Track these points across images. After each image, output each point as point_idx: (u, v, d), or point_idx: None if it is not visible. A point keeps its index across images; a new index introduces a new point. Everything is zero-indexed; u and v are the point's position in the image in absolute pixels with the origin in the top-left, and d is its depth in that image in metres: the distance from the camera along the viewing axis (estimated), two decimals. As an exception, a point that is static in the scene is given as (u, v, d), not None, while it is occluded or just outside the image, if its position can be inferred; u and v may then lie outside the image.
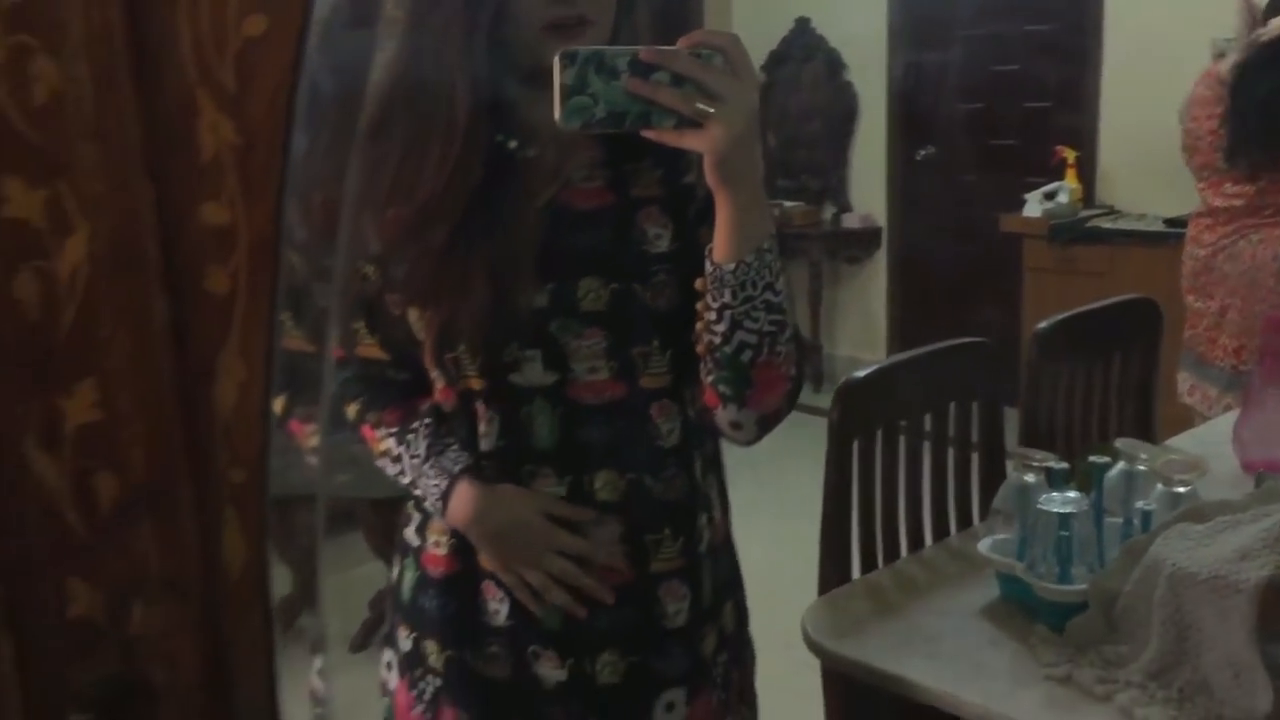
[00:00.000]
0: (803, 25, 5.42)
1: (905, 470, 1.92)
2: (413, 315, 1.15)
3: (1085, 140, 4.63)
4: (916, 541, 1.97)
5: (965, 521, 2.03)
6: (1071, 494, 1.59)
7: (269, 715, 0.59)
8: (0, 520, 0.54)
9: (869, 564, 1.89)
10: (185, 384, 0.53)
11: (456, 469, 1.17)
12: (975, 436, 2.02)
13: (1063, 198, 4.50)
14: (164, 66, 0.51)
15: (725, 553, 1.29)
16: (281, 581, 2.62)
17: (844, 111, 5.40)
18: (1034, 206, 4.52)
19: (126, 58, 0.50)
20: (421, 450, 1.19)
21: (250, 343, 0.54)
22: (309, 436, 1.08)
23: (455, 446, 1.19)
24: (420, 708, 1.23)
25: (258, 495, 0.56)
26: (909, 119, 5.27)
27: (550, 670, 1.18)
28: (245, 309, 0.54)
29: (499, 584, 1.18)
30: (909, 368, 1.92)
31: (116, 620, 0.54)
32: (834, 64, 5.38)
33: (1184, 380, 3.00)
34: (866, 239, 5.38)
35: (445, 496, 1.17)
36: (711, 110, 0.96)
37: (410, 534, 1.25)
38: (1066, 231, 4.37)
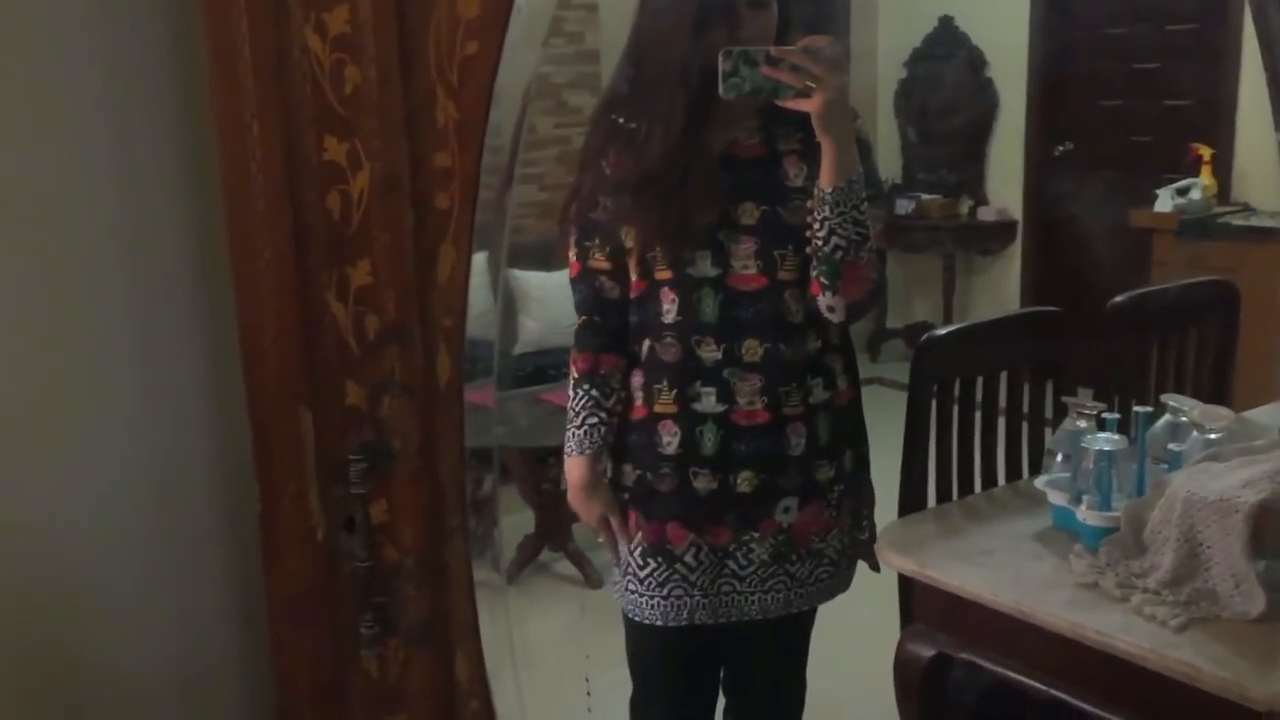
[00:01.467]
0: (946, 23, 5.59)
1: (980, 420, 2.18)
2: (625, 229, 1.60)
3: (1222, 138, 4.68)
4: (990, 484, 2.23)
5: (1037, 470, 2.27)
6: (1113, 435, 1.84)
7: (458, 473, 0.94)
8: (309, 341, 0.90)
9: (945, 498, 2.16)
10: (420, 263, 0.88)
11: (581, 450, 1.63)
12: (1050, 394, 2.26)
13: (1195, 194, 4.56)
14: (417, 71, 0.87)
15: (848, 413, 1.73)
16: (527, 523, 3.10)
17: (984, 108, 5.54)
18: (1165, 202, 4.59)
19: (397, 65, 0.86)
20: (579, 409, 1.65)
21: (459, 239, 0.89)
22: (571, 375, 1.64)
23: (596, 428, 1.65)
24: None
25: (459, 334, 0.92)
26: (1048, 115, 5.38)
27: (705, 483, 1.64)
28: (457, 218, 0.89)
29: (674, 421, 1.63)
30: (987, 329, 2.19)
31: (373, 407, 0.90)
32: (976, 61, 5.54)
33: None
34: (1001, 232, 5.50)
35: (569, 455, 1.65)
36: (815, 86, 1.46)
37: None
38: (1195, 227, 4.44)
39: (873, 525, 1.83)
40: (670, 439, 1.65)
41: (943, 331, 2.11)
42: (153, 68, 1.02)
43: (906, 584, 2.00)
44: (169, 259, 1.10)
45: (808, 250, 1.58)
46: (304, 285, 0.90)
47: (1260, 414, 2.42)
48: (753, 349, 1.61)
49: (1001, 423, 2.22)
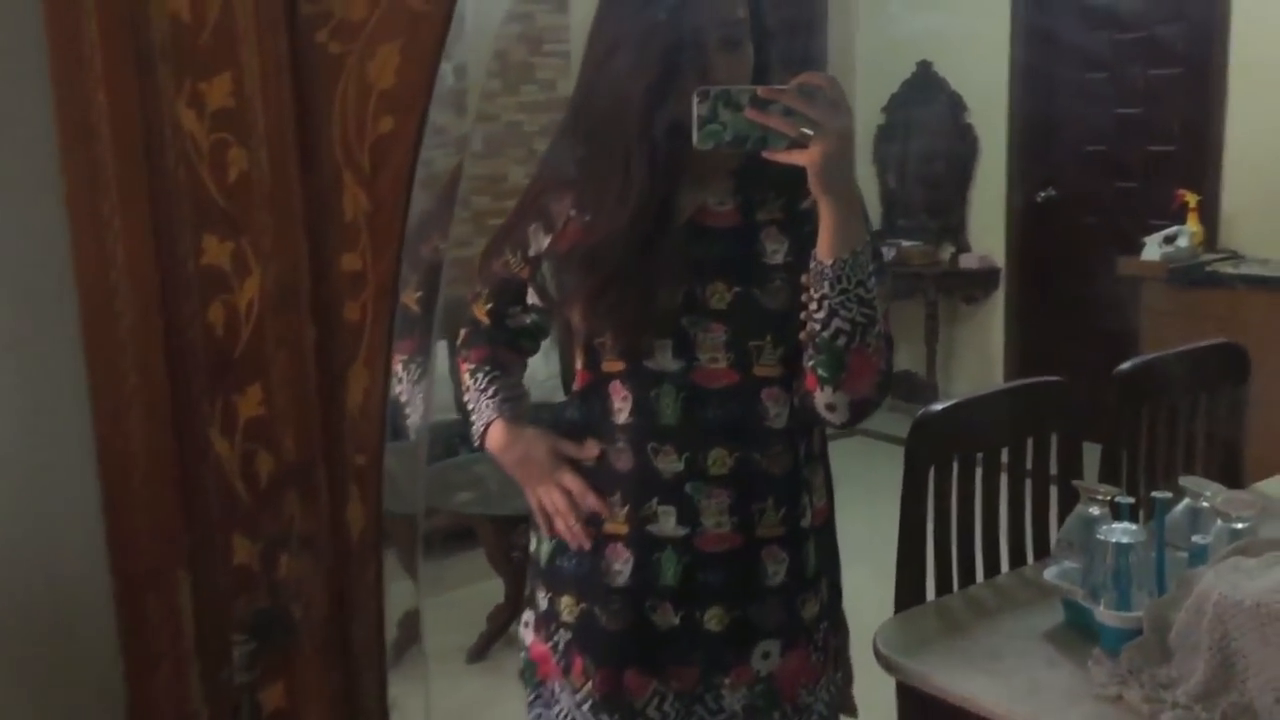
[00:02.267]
0: (924, 68, 5.50)
1: (981, 501, 2.02)
2: (572, 311, 1.38)
3: (1208, 184, 4.59)
4: (993, 569, 2.07)
5: (1043, 552, 2.12)
6: (1131, 526, 1.68)
7: (377, 647, 0.76)
8: (187, 487, 0.72)
9: (945, 589, 2.00)
10: (325, 389, 0.71)
11: (496, 413, 1.46)
12: (1054, 472, 2.10)
13: (1182, 241, 4.46)
14: (320, 153, 0.69)
15: (825, 535, 1.49)
16: (496, 591, 2.83)
17: (964, 153, 5.45)
18: (1153, 250, 4.49)
19: (294, 146, 0.69)
20: (483, 385, 1.48)
21: (374, 358, 0.72)
22: (464, 372, 1.51)
23: (504, 392, 1.48)
24: (555, 657, 1.45)
25: (375, 475, 0.74)
26: (1030, 161, 5.29)
27: (665, 618, 1.38)
28: (371, 333, 0.71)
29: (625, 545, 1.38)
30: (985, 403, 2.03)
31: (268, 568, 0.72)
32: (955, 106, 5.45)
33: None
34: (984, 279, 5.40)
35: (485, 428, 1.47)
36: (813, 134, 1.20)
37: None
38: (1185, 275, 4.34)
39: (848, 663, 1.58)
40: (621, 567, 1.39)
41: (939, 407, 1.95)
42: (29, 143, 0.84)
43: (906, 687, 1.83)
44: (52, 361, 0.91)
45: (801, 337, 1.33)
46: (180, 418, 0.72)
47: (1275, 485, 2.27)
48: (720, 459, 1.36)
49: (1003, 490, 2.06)
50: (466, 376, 1.52)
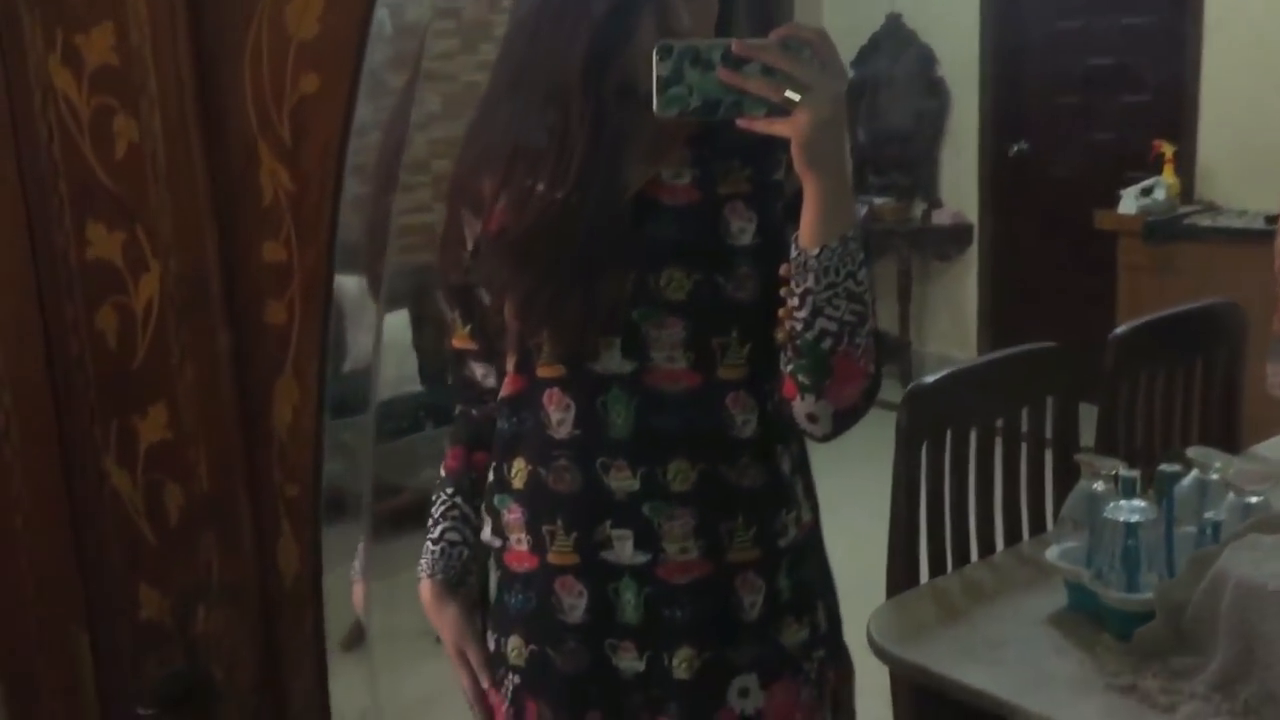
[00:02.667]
0: (894, 21, 5.35)
1: (975, 474, 1.92)
2: (504, 305, 1.20)
3: (1184, 135, 4.49)
4: (988, 545, 1.97)
5: (1038, 526, 2.02)
6: (1139, 503, 1.58)
7: (320, 713, 0.64)
8: (80, 528, 0.60)
9: (938, 568, 1.90)
10: (245, 406, 0.58)
11: (429, 571, 1.30)
12: (1049, 440, 2.01)
13: (1159, 194, 4.38)
14: (228, 120, 0.56)
15: (813, 553, 1.31)
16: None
17: (935, 107, 5.33)
18: (1129, 203, 4.40)
19: (195, 112, 0.56)
20: (437, 516, 1.31)
21: (304, 368, 0.59)
22: (439, 476, 1.33)
23: (450, 535, 1.31)
24: (505, 705, 1.27)
25: (311, 508, 0.61)
26: (1002, 114, 5.17)
27: (629, 661, 1.21)
28: (300, 338, 0.59)
29: (576, 577, 1.21)
30: (978, 373, 1.92)
31: (183, 623, 0.60)
32: (925, 59, 5.31)
33: (1275, 373, 2.93)
34: (957, 235, 5.30)
35: (419, 573, 1.31)
36: (799, 98, 1.01)
37: (488, 535, 1.30)
38: (1162, 229, 4.26)
39: (851, 708, 1.40)
40: (575, 601, 1.21)
41: (931, 379, 1.84)
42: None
43: (901, 679, 1.74)
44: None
45: (779, 337, 1.14)
46: (68, 446, 0.59)
47: (1273, 448, 2.18)
48: (682, 473, 1.18)
49: (997, 462, 1.96)
50: (436, 485, 1.34)
